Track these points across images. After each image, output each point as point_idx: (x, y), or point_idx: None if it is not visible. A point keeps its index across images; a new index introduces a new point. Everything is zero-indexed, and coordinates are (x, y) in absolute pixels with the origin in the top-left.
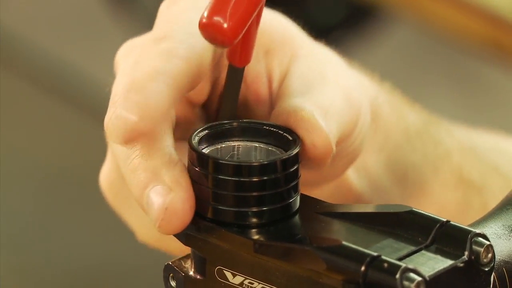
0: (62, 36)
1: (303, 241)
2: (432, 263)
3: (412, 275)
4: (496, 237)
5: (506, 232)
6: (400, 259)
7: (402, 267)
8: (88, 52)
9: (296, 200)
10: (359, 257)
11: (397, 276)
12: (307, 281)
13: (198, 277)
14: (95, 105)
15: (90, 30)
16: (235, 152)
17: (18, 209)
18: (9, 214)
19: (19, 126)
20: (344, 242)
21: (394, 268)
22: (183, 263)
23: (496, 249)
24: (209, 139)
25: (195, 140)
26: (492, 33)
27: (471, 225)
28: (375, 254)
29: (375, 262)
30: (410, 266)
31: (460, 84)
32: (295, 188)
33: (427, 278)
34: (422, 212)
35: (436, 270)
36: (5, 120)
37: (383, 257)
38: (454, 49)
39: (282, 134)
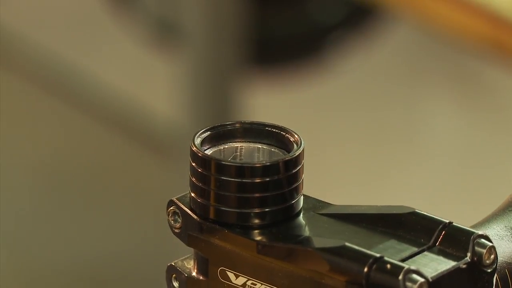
0: (63, 36)
1: (305, 242)
2: (434, 265)
3: (414, 276)
4: (499, 238)
5: (509, 233)
6: (403, 260)
7: (405, 268)
8: (88, 52)
9: (299, 201)
10: (362, 258)
11: (400, 277)
12: (309, 282)
13: (201, 278)
14: (95, 105)
15: (90, 30)
16: (238, 153)
17: (18, 208)
18: (9, 213)
19: (19, 126)
20: (346, 243)
21: (397, 269)
22: (186, 264)
23: (498, 250)
24: (212, 140)
25: (198, 141)
26: (493, 33)
27: (474, 226)
28: (377, 255)
29: (378, 263)
30: (413, 267)
31: (460, 84)
32: (298, 189)
33: (430, 279)
34: (424, 213)
35: (439, 271)
36: (5, 120)
37: (386, 258)
38: (454, 49)
39: (284, 135)
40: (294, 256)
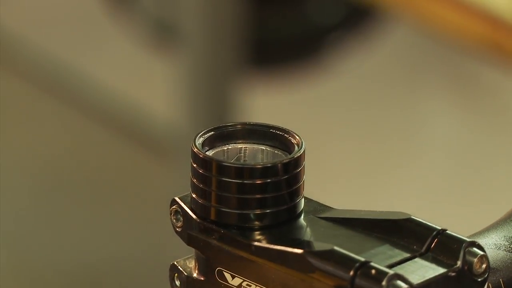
0: (62, 37)
1: (298, 245)
2: (422, 271)
3: (399, 282)
4: (496, 247)
5: (507, 243)
6: (391, 266)
7: (389, 274)
8: (87, 53)
9: (298, 204)
10: (348, 262)
11: (384, 283)
12: (300, 285)
13: (200, 277)
14: (94, 106)
15: (89, 31)
16: (242, 154)
17: (18, 208)
18: (9, 213)
19: (18, 127)
20: (335, 247)
21: (381, 275)
22: (187, 263)
23: (494, 259)
24: (215, 140)
25: (199, 141)
26: (492, 35)
27: (474, 234)
28: (363, 260)
29: (363, 268)
30: (398, 273)
31: (459, 85)
32: (297, 192)
33: (414, 286)
34: (419, 220)
35: (426, 278)
36: (5, 120)
37: (372, 264)
38: (453, 50)
39: (287, 137)
40: (284, 258)
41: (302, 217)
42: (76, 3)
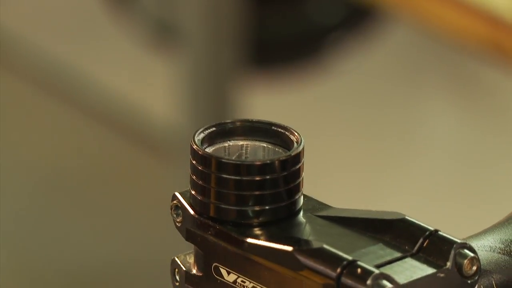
0: (62, 37)
1: (291, 242)
2: (411, 272)
3: (384, 282)
4: (490, 250)
5: (502, 246)
6: (379, 266)
7: (375, 273)
8: (87, 53)
9: (296, 202)
10: (336, 261)
11: (369, 282)
12: (292, 282)
13: (198, 273)
14: (94, 106)
15: (89, 31)
16: (243, 151)
17: (18, 208)
18: (9, 213)
19: (18, 127)
20: (324, 246)
21: (366, 274)
22: (187, 259)
23: (488, 262)
24: (215, 137)
25: (199, 138)
26: (492, 35)
27: (471, 236)
28: (350, 258)
29: (350, 267)
30: (384, 273)
31: (459, 85)
32: (295, 189)
33: (400, 286)
34: (413, 220)
35: (413, 278)
36: (5, 120)
37: (359, 263)
38: (453, 50)
39: (288, 135)
40: (276, 255)
41: (300, 215)
42: (76, 3)
